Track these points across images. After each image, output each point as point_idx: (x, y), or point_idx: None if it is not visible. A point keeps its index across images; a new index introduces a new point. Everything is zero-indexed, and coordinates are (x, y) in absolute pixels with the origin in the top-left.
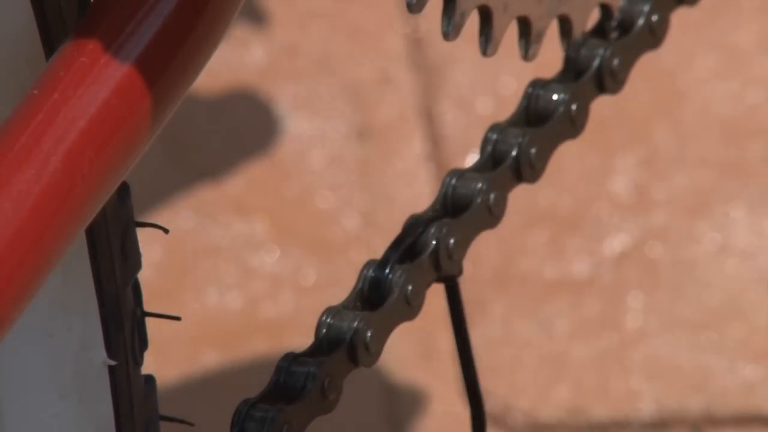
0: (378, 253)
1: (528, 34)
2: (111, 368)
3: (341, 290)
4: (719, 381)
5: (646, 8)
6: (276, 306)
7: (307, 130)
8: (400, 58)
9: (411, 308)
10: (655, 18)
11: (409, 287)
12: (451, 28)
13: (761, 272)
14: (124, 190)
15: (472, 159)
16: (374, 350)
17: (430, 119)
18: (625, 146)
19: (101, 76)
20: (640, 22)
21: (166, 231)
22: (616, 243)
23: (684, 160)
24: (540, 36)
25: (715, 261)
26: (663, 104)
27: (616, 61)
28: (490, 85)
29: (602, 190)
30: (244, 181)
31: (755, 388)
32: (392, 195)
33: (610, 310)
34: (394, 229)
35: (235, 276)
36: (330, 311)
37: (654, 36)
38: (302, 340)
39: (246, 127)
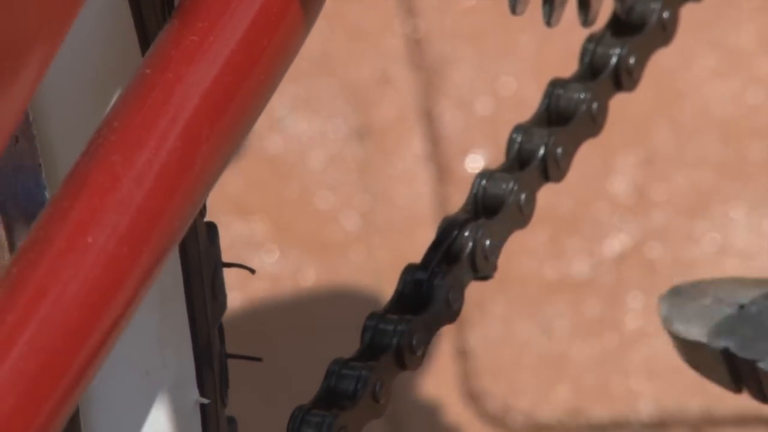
0: (378, 253)
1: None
2: (202, 407)
3: (341, 291)
4: None
5: (658, 5)
6: (275, 306)
7: (306, 130)
8: (400, 58)
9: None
10: (666, 14)
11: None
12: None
13: (761, 272)
14: (213, 231)
15: (471, 159)
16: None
17: (429, 119)
18: (625, 146)
19: (211, 53)
20: (653, 18)
21: (252, 271)
22: (615, 243)
23: (684, 161)
24: (563, 2)
25: (714, 261)
26: (663, 104)
27: (632, 59)
28: (489, 85)
29: (602, 191)
30: (244, 181)
31: None
32: (392, 195)
33: (610, 310)
34: (393, 229)
35: (234, 276)
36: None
37: (665, 32)
38: (301, 340)
39: None
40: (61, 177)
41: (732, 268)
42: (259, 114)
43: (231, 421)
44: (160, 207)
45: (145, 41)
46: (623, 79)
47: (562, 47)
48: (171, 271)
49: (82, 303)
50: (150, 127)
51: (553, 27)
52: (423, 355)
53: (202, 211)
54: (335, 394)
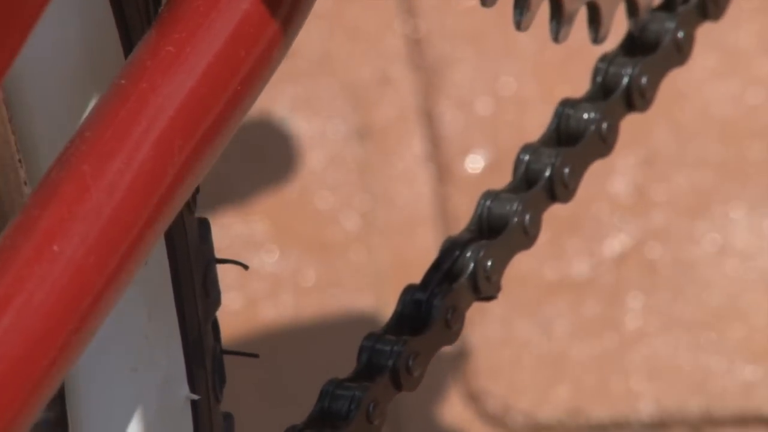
0: (378, 253)
1: (560, 15)
2: (193, 404)
3: (341, 291)
4: (719, 381)
5: (672, 25)
6: (275, 307)
7: (306, 130)
8: (400, 58)
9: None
10: (681, 34)
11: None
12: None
13: (761, 273)
14: (205, 227)
15: (471, 159)
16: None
17: (429, 119)
18: (625, 146)
19: (187, 65)
20: (667, 39)
21: (246, 267)
22: (615, 243)
23: (684, 161)
24: (571, 18)
25: (714, 261)
26: (663, 104)
27: (644, 79)
28: (489, 85)
29: (602, 191)
30: (244, 182)
31: (755, 389)
32: (392, 195)
33: (610, 310)
34: (393, 230)
35: (234, 276)
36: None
37: (680, 53)
38: (301, 341)
39: (245, 128)
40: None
41: (732, 268)
42: (236, 126)
43: (227, 417)
44: (130, 218)
45: (128, 44)
46: (635, 99)
47: (563, 48)
48: (159, 267)
49: (47, 312)
50: (122, 138)
51: (560, 43)
52: (420, 377)
53: (192, 207)
54: (329, 415)
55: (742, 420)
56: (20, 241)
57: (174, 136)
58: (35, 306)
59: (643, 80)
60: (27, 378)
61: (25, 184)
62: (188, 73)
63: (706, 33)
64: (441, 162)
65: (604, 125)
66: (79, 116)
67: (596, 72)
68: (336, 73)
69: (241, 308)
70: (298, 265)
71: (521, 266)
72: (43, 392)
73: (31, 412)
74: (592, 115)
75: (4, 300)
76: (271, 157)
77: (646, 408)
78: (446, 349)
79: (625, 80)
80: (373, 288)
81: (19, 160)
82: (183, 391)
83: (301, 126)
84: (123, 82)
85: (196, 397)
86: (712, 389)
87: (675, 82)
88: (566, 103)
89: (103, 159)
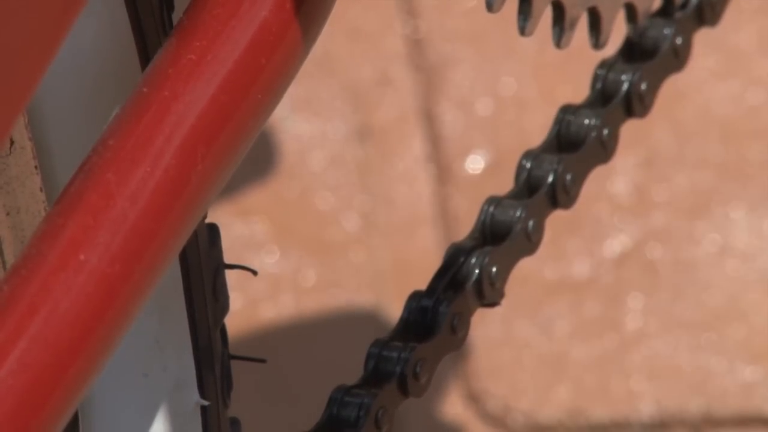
0: (378, 253)
1: (562, 21)
2: (202, 409)
3: (341, 291)
4: (719, 382)
5: (670, 32)
6: (276, 307)
7: (307, 131)
8: (400, 58)
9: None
10: (679, 41)
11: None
12: (527, 24)
13: (761, 273)
14: (214, 232)
15: (472, 160)
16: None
17: (429, 120)
18: (625, 147)
19: (208, 73)
20: (665, 45)
21: (254, 273)
22: (616, 244)
23: (684, 161)
24: (573, 25)
25: (715, 262)
26: (663, 105)
27: (643, 86)
28: (489, 86)
29: (602, 191)
30: (244, 182)
31: (755, 389)
32: (392, 196)
33: (610, 311)
34: (393, 230)
35: (235, 277)
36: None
37: (678, 58)
38: (302, 342)
39: None
40: (59, 183)
41: (732, 268)
42: (257, 133)
43: (234, 422)
44: (154, 226)
45: (144, 51)
46: (635, 105)
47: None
48: (170, 273)
49: (73, 321)
50: (145, 146)
51: (562, 49)
52: (427, 383)
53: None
54: (338, 422)
55: (742, 420)
56: (45, 250)
57: (196, 144)
58: (62, 315)
59: (642, 86)
60: (54, 386)
61: (41, 190)
62: (209, 81)
63: (706, 33)
64: (441, 162)
65: (605, 132)
66: (95, 123)
67: (595, 78)
68: (336, 73)
69: (241, 308)
70: (298, 265)
71: (522, 266)
72: (70, 401)
73: (58, 421)
74: (592, 121)
75: (30, 309)
76: (270, 158)
77: (646, 408)
78: None
79: (625, 87)
80: (373, 288)
81: (35, 167)
82: (193, 397)
83: (302, 126)
84: (145, 90)
85: (206, 402)
86: (713, 390)
87: (675, 82)
88: (566, 110)
89: (127, 167)
